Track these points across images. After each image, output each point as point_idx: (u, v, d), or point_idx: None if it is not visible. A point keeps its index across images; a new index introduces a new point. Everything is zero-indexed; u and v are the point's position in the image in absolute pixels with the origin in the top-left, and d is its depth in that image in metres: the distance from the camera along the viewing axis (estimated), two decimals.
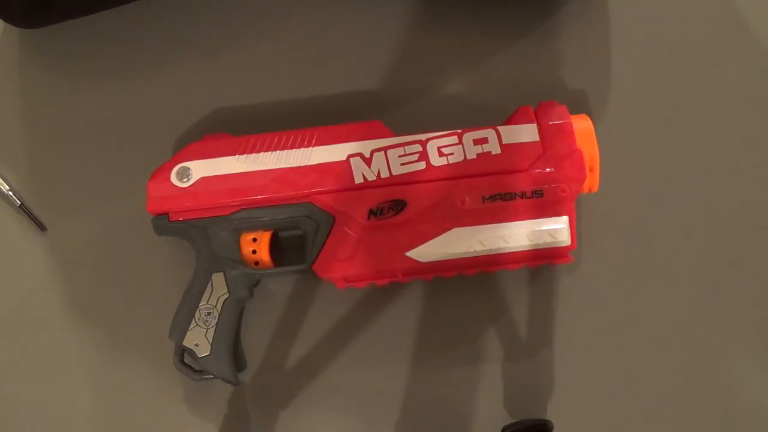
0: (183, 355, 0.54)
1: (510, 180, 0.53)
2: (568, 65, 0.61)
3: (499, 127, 0.54)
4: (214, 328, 0.54)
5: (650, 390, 0.55)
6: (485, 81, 0.61)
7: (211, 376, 0.54)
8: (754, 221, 0.58)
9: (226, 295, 0.54)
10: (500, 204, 0.53)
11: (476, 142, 0.54)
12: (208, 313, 0.54)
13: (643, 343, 0.56)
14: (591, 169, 0.54)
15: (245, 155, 0.55)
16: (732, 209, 0.58)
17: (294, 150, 0.55)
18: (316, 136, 0.55)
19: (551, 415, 0.55)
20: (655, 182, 0.59)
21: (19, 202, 0.60)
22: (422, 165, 0.54)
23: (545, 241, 0.53)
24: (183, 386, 0.57)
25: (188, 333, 0.54)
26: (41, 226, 0.60)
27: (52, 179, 0.61)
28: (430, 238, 0.53)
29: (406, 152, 0.54)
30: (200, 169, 0.55)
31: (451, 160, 0.54)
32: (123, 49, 0.64)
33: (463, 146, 0.54)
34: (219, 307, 0.54)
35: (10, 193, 0.60)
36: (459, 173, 0.54)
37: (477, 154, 0.54)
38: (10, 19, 0.60)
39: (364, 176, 0.54)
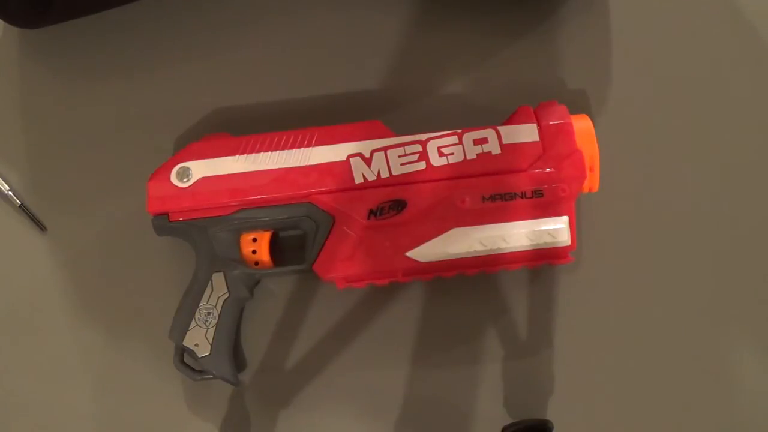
0: (183, 355, 0.54)
1: (510, 180, 0.53)
2: (568, 65, 0.61)
3: (499, 127, 0.54)
4: (214, 328, 0.54)
5: (650, 390, 0.55)
6: (485, 81, 0.61)
7: (211, 376, 0.54)
8: (755, 220, 0.58)
9: (226, 295, 0.54)
10: (500, 204, 0.53)
11: (476, 142, 0.54)
12: (208, 313, 0.54)
13: (644, 343, 0.56)
14: (591, 169, 0.54)
15: (245, 155, 0.55)
16: (732, 209, 0.58)
17: (294, 150, 0.55)
18: (316, 136, 0.55)
19: (551, 415, 0.55)
20: (655, 182, 0.59)
21: (19, 202, 0.60)
22: (422, 165, 0.54)
23: (545, 241, 0.53)
24: (183, 386, 0.57)
25: (188, 333, 0.54)
26: (41, 226, 0.60)
27: (52, 179, 0.61)
28: (430, 238, 0.53)
29: (406, 152, 0.54)
30: (200, 169, 0.55)
31: (451, 160, 0.54)
32: (123, 49, 0.63)
33: (463, 146, 0.54)
34: (219, 307, 0.54)
35: (10, 193, 0.60)
36: (459, 173, 0.54)
37: (477, 154, 0.54)
38: (10, 19, 0.60)
39: (364, 176, 0.54)
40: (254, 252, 0.55)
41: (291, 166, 0.54)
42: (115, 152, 0.61)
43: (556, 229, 0.53)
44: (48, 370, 0.58)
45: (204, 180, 0.54)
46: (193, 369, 0.54)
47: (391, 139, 0.55)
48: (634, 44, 0.62)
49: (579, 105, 0.60)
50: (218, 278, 0.54)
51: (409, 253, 0.53)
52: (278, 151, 0.55)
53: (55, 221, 0.60)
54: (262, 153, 0.55)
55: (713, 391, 0.55)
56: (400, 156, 0.54)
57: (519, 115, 0.55)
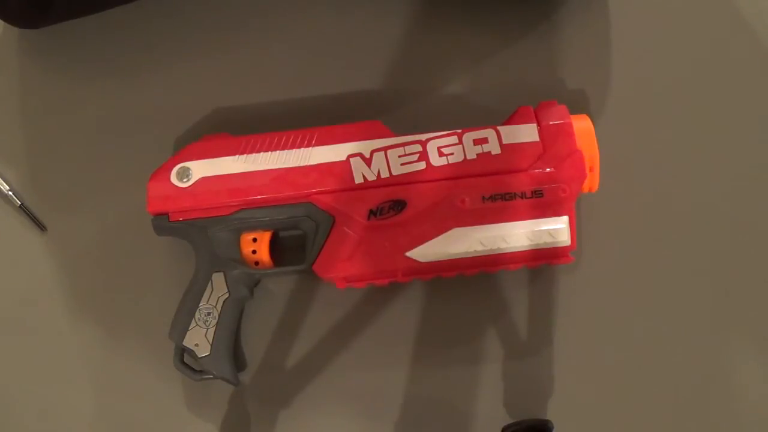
0: (183, 355, 0.54)
1: (510, 180, 0.53)
2: (568, 65, 0.61)
3: (499, 127, 0.54)
4: (214, 328, 0.54)
5: (650, 390, 0.55)
6: (485, 81, 0.61)
7: (211, 376, 0.54)
8: (755, 220, 0.58)
9: (226, 295, 0.54)
10: (500, 204, 0.53)
11: (476, 142, 0.54)
12: (208, 313, 0.54)
13: (643, 343, 0.56)
14: (591, 169, 0.54)
15: (245, 155, 0.55)
16: (732, 209, 0.58)
17: (294, 150, 0.55)
18: (316, 136, 0.55)
19: (551, 415, 0.55)
20: (655, 182, 0.59)
21: (19, 202, 0.60)
22: (422, 165, 0.54)
23: (545, 241, 0.53)
24: (183, 386, 0.57)
25: (188, 333, 0.54)
26: (41, 226, 0.60)
27: (52, 179, 0.61)
28: (430, 238, 0.53)
29: (406, 152, 0.54)
30: (200, 169, 0.55)
31: (451, 160, 0.54)
32: (123, 49, 0.64)
33: (463, 146, 0.54)
34: (219, 307, 0.54)
35: (10, 193, 0.60)
36: (459, 173, 0.54)
37: (477, 154, 0.54)
38: (9, 19, 0.60)
39: (364, 176, 0.54)
40: (254, 252, 0.55)
41: (291, 166, 0.54)
42: (115, 152, 0.61)
43: (556, 229, 0.53)
44: (47, 370, 0.58)
45: (204, 180, 0.54)
46: (193, 369, 0.54)
47: (391, 139, 0.55)
48: (634, 44, 0.62)
49: (579, 105, 0.60)
50: (218, 278, 0.54)
51: (409, 253, 0.53)
52: (278, 151, 0.55)
53: (55, 221, 0.60)
54: (262, 153, 0.55)
55: (713, 391, 0.55)
56: (400, 156, 0.54)
57: (519, 115, 0.55)
